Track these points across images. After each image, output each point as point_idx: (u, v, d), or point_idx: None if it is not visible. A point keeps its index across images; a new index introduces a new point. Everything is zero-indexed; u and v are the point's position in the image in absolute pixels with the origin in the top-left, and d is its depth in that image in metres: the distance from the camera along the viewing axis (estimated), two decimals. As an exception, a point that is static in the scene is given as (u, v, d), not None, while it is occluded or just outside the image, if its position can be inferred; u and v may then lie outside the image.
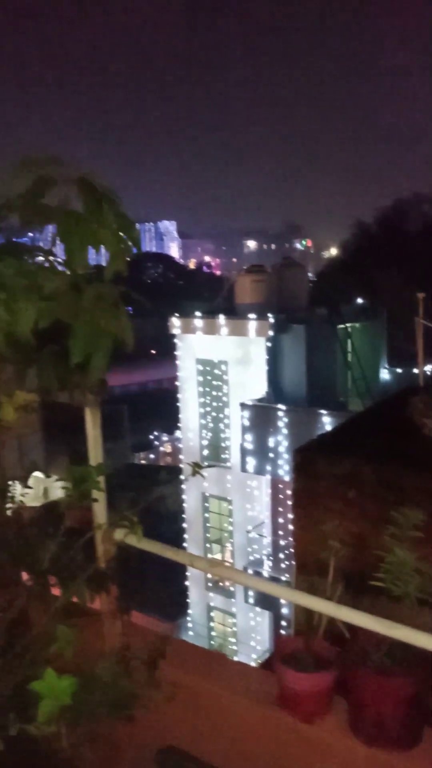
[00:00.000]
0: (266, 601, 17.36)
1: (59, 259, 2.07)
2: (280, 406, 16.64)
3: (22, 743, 1.92)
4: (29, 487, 2.55)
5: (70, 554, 2.07)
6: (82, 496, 2.13)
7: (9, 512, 2.27)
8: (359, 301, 21.96)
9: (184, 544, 19.56)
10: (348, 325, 18.65)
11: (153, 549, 2.24)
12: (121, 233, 1.99)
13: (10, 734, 1.69)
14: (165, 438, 35.45)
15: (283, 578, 16.32)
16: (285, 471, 16.32)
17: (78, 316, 1.97)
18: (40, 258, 2.15)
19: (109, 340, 1.97)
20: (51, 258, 2.10)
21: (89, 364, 2.00)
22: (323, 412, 15.69)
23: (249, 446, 17.12)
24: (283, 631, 17.23)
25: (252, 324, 17.55)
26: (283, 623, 17.30)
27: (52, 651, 1.89)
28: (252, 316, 17.60)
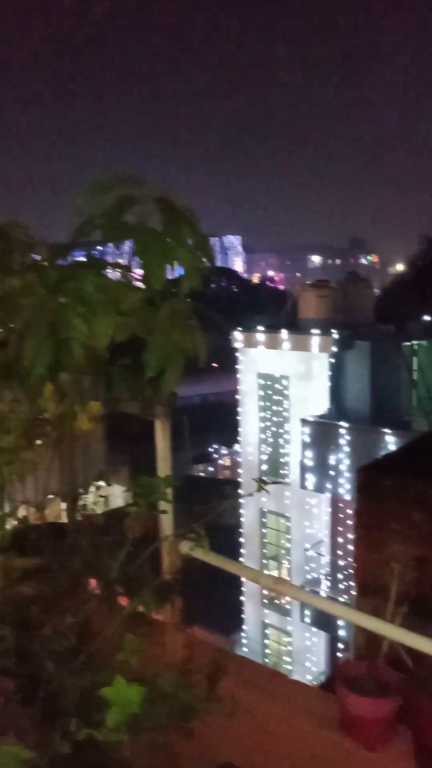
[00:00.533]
0: (323, 622, 17.04)
1: (136, 275, 2.13)
2: (342, 423, 16.39)
3: (84, 749, 1.96)
4: (102, 496, 2.61)
5: (138, 564, 2.10)
6: (150, 507, 2.16)
7: (80, 518, 2.33)
8: (426, 318, 21.45)
9: (241, 559, 19.47)
10: (414, 342, 18.23)
11: (218, 563, 2.25)
12: (196, 251, 2.03)
13: (77, 739, 1.72)
14: (224, 451, 35.49)
15: (341, 599, 15.98)
16: (346, 490, 16.04)
17: (153, 331, 2.02)
18: (118, 273, 2.21)
19: (183, 355, 2.01)
20: (128, 274, 2.17)
21: (162, 378, 2.05)
22: (387, 431, 15.36)
23: (309, 463, 16.93)
24: (340, 654, 16.85)
25: (315, 339, 17.41)
26: (340, 645, 16.92)
27: (118, 659, 1.92)
28: (315, 331, 17.47)
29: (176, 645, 2.52)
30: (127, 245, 2.07)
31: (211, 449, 36.11)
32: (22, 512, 2.69)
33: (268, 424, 19.01)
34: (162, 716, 2.08)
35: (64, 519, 2.74)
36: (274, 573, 19.20)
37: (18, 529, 2.58)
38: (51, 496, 2.76)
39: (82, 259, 2.21)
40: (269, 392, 18.90)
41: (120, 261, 2.30)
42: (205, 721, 2.16)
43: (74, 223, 2.07)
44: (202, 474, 34.60)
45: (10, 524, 2.54)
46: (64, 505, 2.76)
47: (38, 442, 2.59)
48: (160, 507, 2.33)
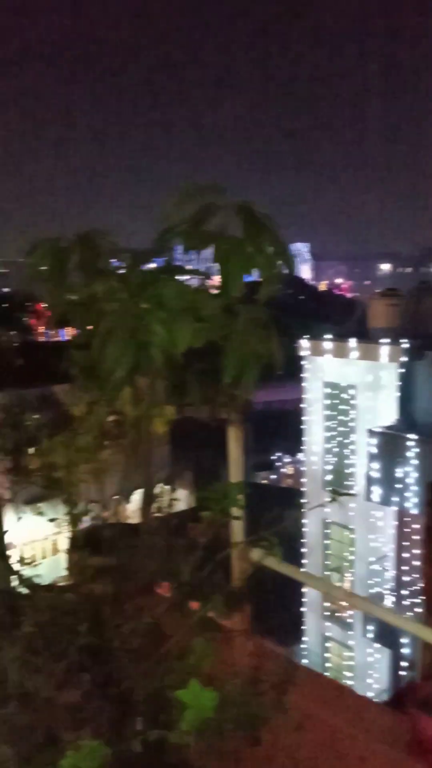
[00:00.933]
0: (387, 638, 16.60)
1: (214, 282, 2.15)
2: (411, 435, 15.97)
3: (153, 749, 1.98)
4: (175, 499, 2.64)
5: (209, 569, 2.11)
6: (221, 513, 2.17)
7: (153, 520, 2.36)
8: None
9: (302, 570, 19.22)
10: None
11: (289, 573, 2.24)
12: (276, 258, 2.03)
13: (149, 739, 1.74)
14: (287, 459, 35.22)
15: (405, 615, 15.53)
16: (414, 504, 15.59)
17: (230, 337, 2.04)
18: (196, 280, 2.24)
19: (259, 361, 2.02)
20: (207, 281, 2.19)
21: (238, 384, 2.06)
22: (458, 444, 14.85)
23: (375, 475, 16.57)
24: (403, 672, 16.37)
25: (384, 349, 17.05)
26: (404, 663, 16.44)
27: (188, 663, 1.93)
28: (385, 340, 17.12)
29: (244, 652, 2.51)
30: (207, 253, 2.10)
31: (273, 457, 35.91)
32: (96, 511, 2.75)
33: (334, 434, 18.73)
34: (228, 722, 2.08)
35: (127, 519, 2.79)
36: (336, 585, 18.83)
37: (92, 527, 2.64)
38: (123, 497, 2.81)
39: (161, 265, 2.25)
40: (335, 401, 18.63)
41: (194, 268, 2.33)
42: (273, 730, 2.14)
43: (156, 230, 2.11)
44: (264, 482, 34.44)
45: (84, 523, 2.60)
46: (128, 505, 2.81)
47: (113, 443, 2.65)
48: (229, 512, 2.33)
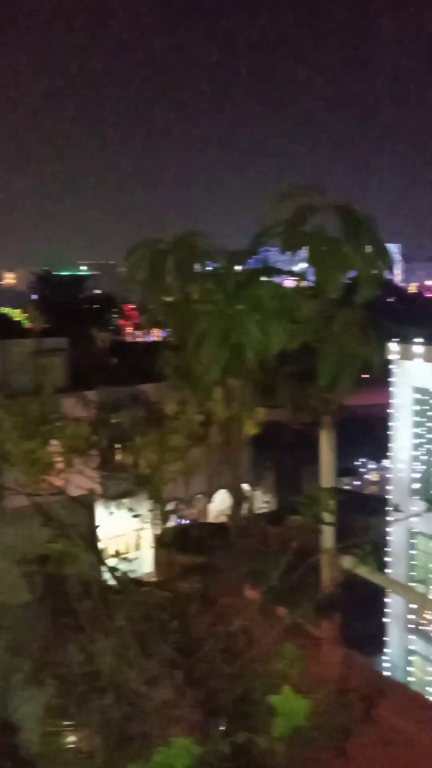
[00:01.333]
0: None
1: (309, 283, 2.12)
2: None
3: (239, 751, 1.97)
4: (267, 501, 2.62)
5: (299, 575, 2.08)
6: (312, 518, 2.14)
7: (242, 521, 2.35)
8: None
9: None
10: None
11: (384, 583, 2.17)
12: (375, 259, 1.98)
13: (238, 741, 1.73)
14: (372, 466, 34.35)
15: None
16: None
17: (326, 340, 2.00)
18: (291, 281, 2.22)
19: (356, 364, 1.97)
20: (302, 282, 2.16)
21: (333, 387, 2.02)
22: None
23: (466, 485, 15.86)
24: None
25: None
26: None
27: (276, 668, 1.91)
28: None
29: (333, 662, 2.46)
30: (300, 253, 2.07)
31: (358, 463, 35.10)
32: (182, 509, 2.78)
33: (423, 441, 18.07)
34: (314, 731, 2.04)
35: (209, 518, 2.79)
36: (422, 598, 18.15)
37: (181, 525, 2.67)
38: (206, 496, 2.82)
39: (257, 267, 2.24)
40: (425, 407, 17.97)
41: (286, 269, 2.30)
42: (360, 743, 2.08)
43: (252, 232, 2.11)
44: (347, 487, 33.73)
45: (172, 521, 2.63)
46: (211, 505, 2.81)
47: (201, 443, 2.67)
48: (319, 518, 2.29)
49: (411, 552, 19.36)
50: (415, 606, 14.94)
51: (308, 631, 2.18)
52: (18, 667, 2.22)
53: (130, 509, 3.04)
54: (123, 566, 2.46)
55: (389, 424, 19.78)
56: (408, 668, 19.45)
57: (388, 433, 19.82)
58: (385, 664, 19.43)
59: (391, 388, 19.50)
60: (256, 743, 1.69)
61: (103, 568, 2.51)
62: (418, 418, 18.95)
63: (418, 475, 18.82)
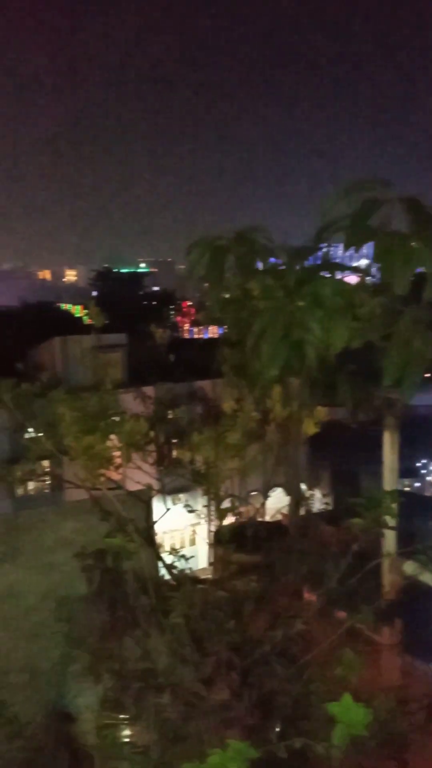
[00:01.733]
0: None
1: (373, 279, 2.05)
2: None
3: (294, 757, 1.93)
4: (327, 502, 2.57)
5: (359, 578, 2.03)
6: (373, 521, 2.07)
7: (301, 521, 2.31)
8: None
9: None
10: None
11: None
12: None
13: (294, 747, 1.70)
14: (433, 467, 33.42)
15: None
16: None
17: (392, 338, 1.92)
18: (355, 278, 2.15)
19: (423, 364, 1.89)
20: (367, 278, 2.10)
21: (398, 387, 1.94)
22: None
23: None
24: None
25: None
26: None
27: (334, 673, 1.86)
28: None
29: (393, 669, 2.39)
30: (364, 249, 2.00)
31: (419, 464, 34.19)
32: (238, 507, 2.76)
33: None
34: (372, 739, 1.98)
35: (264, 517, 2.75)
36: None
37: (237, 523, 2.65)
38: (261, 494, 2.79)
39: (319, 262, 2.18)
40: None
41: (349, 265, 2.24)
42: (422, 755, 2.01)
43: (314, 227, 2.05)
44: (407, 489, 32.91)
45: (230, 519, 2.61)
46: (266, 503, 2.78)
47: (258, 441, 2.64)
48: (381, 521, 2.22)
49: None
50: None
51: (368, 637, 2.12)
52: (76, 659, 2.25)
53: (187, 505, 3.04)
54: (180, 563, 2.46)
55: (452, 424, 19.17)
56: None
57: (451, 433, 19.20)
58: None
59: (453, 388, 18.80)
60: (313, 749, 1.65)
61: (160, 564, 2.51)
62: None
63: None
